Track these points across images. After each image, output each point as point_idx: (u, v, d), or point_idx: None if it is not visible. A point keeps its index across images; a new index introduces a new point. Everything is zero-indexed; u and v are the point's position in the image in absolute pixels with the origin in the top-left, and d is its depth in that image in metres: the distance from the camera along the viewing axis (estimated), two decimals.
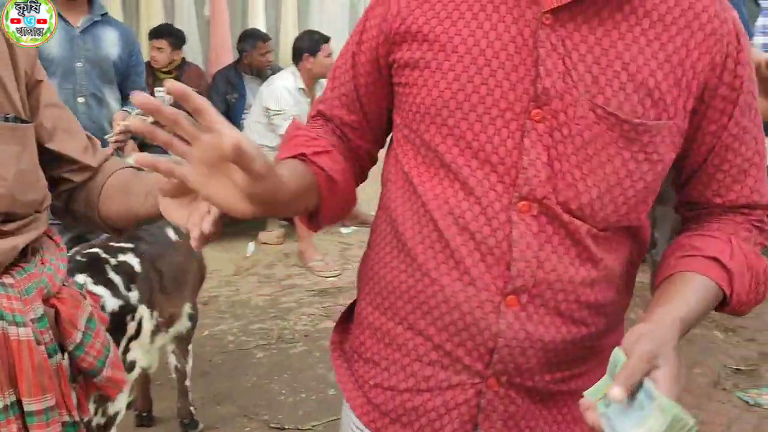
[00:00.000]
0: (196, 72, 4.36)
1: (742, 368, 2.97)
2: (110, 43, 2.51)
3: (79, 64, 2.42)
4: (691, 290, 0.87)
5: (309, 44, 4.02)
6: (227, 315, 3.39)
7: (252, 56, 4.36)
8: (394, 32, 0.93)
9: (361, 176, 1.06)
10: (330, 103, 1.02)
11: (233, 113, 4.40)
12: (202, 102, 0.71)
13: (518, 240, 0.86)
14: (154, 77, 3.99)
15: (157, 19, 4.30)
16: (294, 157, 0.92)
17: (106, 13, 2.56)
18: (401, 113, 0.94)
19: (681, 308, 0.83)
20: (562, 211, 0.86)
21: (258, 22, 4.69)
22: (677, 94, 0.86)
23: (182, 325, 2.24)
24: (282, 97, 3.93)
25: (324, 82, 4.16)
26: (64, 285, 0.98)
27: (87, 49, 2.44)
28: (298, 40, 4.14)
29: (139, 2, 4.35)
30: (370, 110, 1.00)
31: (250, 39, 4.38)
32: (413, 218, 0.93)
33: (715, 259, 0.89)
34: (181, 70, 4.24)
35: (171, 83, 0.69)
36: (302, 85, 4.03)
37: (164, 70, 4.11)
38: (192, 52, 4.62)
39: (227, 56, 4.61)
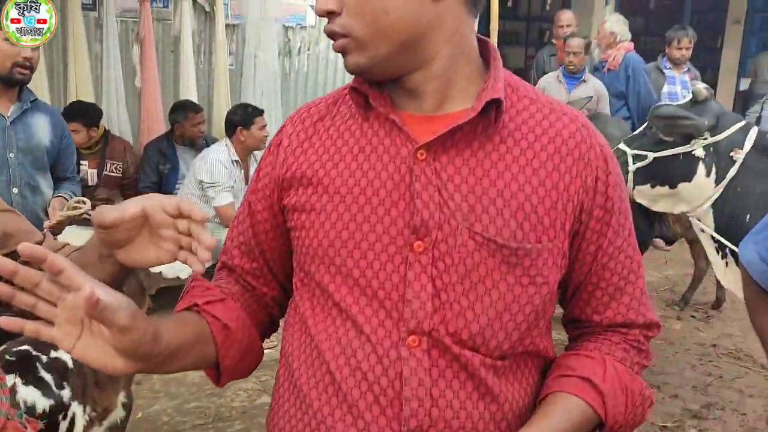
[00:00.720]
0: (121, 145, 4.31)
1: (669, 425, 3.10)
2: (41, 130, 2.49)
3: (11, 155, 2.40)
4: (561, 411, 0.89)
5: (242, 117, 4.07)
6: (161, 394, 3.31)
7: (184, 127, 4.37)
8: (282, 178, 0.97)
9: (271, 326, 1.07)
10: (231, 253, 1.04)
11: (166, 184, 4.37)
12: (59, 262, 0.72)
13: (409, 377, 0.86)
14: (78, 155, 3.93)
15: (86, 93, 4.26)
16: (188, 308, 0.94)
17: (36, 99, 2.54)
18: (297, 257, 0.97)
19: (545, 430, 0.86)
20: (453, 343, 0.87)
21: (190, 92, 4.72)
22: (555, 216, 0.89)
23: (116, 415, 2.19)
24: (216, 170, 3.95)
25: (259, 154, 4.21)
26: (8, 419, 0.97)
27: (19, 139, 2.42)
28: (230, 113, 4.19)
29: (66, 79, 4.31)
30: (271, 257, 1.02)
31: (181, 110, 4.39)
32: (307, 362, 0.93)
33: (588, 380, 0.91)
34: (105, 143, 4.18)
35: (23, 246, 0.70)
36: (236, 158, 4.06)
37: (85, 146, 4.05)
38: (122, 123, 4.59)
39: (159, 127, 4.60)
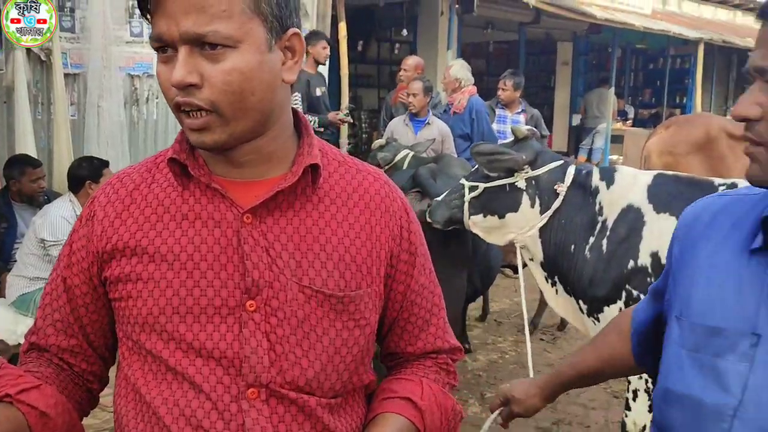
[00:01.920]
0: None
1: None
2: None
3: None
4: (388, 429, 0.99)
5: (90, 171, 3.91)
6: None
7: (21, 183, 4.11)
8: (101, 251, 0.97)
9: (90, 402, 1.07)
10: (44, 331, 1.02)
11: (2, 245, 4.07)
12: None
13: (252, 428, 0.91)
14: None
15: None
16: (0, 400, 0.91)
17: None
18: (123, 327, 0.98)
19: None
20: (290, 390, 0.93)
21: (27, 145, 4.45)
22: (371, 264, 1.00)
23: None
24: (59, 227, 3.74)
25: None
26: None
27: None
28: (75, 167, 4.00)
29: None
30: (91, 331, 1.02)
31: (17, 165, 4.13)
32: (146, 430, 0.94)
33: (409, 399, 1.02)
34: None
35: None
36: (80, 212, 3.88)
37: None
38: None
39: None
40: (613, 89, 10.75)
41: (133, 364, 0.97)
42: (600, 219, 2.56)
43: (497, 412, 1.40)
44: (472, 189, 2.79)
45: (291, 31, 0.94)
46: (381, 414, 1.01)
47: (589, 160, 11.00)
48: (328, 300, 0.95)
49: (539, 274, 2.76)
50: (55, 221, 3.76)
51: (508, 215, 2.72)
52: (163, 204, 0.97)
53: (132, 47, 5.26)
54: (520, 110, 5.83)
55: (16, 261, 3.93)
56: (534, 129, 2.96)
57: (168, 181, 0.99)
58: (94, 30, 4.79)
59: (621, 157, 10.05)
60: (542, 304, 4.90)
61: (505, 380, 3.99)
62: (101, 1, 4.77)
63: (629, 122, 11.93)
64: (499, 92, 5.72)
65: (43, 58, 4.75)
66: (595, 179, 2.61)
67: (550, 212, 2.63)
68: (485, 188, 2.75)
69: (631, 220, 2.49)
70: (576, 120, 11.38)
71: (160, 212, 0.96)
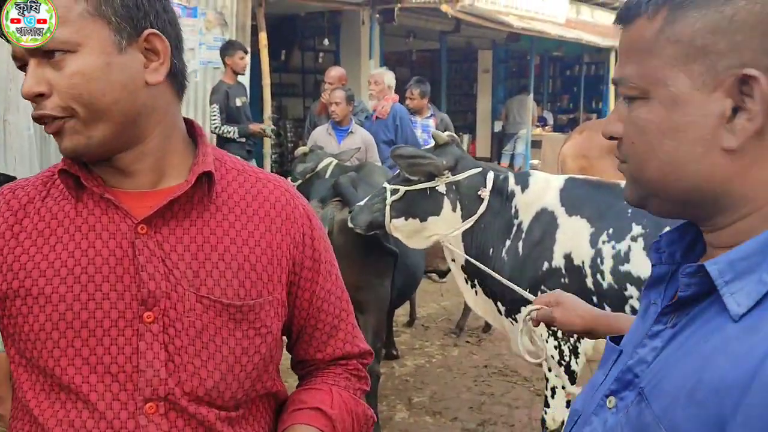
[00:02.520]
0: None
1: None
2: None
3: None
4: None
5: None
6: None
7: None
8: None
9: None
10: None
11: None
12: None
13: None
14: None
15: None
16: None
17: None
18: (15, 344, 0.94)
19: None
20: (189, 402, 0.92)
21: None
22: (272, 272, 1.00)
23: None
24: None
25: None
26: None
27: None
28: None
29: None
30: None
31: None
32: None
33: (319, 409, 1.03)
34: None
35: None
36: None
37: None
38: None
39: None
40: (532, 96, 11.10)
41: (24, 384, 0.94)
42: (516, 222, 2.64)
43: (538, 307, 1.34)
44: (393, 192, 2.80)
45: (147, 31, 0.92)
46: (291, 426, 1.01)
47: (511, 165, 11.31)
48: (227, 309, 0.95)
49: (459, 276, 2.82)
50: None
51: (430, 219, 2.75)
52: (57, 217, 0.95)
53: None
54: (429, 115, 5.97)
55: None
56: (454, 135, 3.01)
57: (62, 194, 0.96)
58: None
59: (540, 162, 10.37)
60: (467, 307, 4.99)
61: (432, 384, 4.05)
62: None
63: (549, 128, 12.33)
64: (407, 101, 5.83)
65: None
66: (511, 184, 2.69)
67: (475, 216, 2.68)
68: (406, 191, 2.76)
69: (545, 222, 2.58)
70: (498, 126, 11.69)
71: (53, 225, 0.94)
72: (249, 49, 5.85)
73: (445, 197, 2.72)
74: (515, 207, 2.66)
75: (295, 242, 1.03)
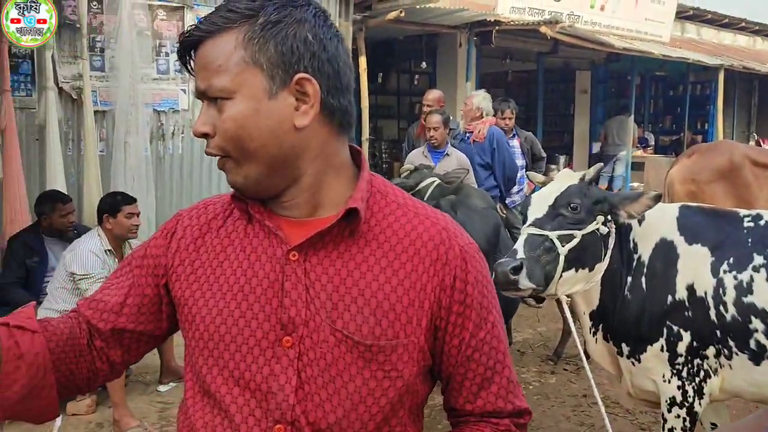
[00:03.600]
0: None
1: None
2: None
3: None
4: None
5: (108, 205, 4.01)
6: None
7: (52, 219, 4.22)
8: (172, 269, 1.04)
9: (89, 381, 1.07)
10: (88, 303, 1.08)
11: (34, 278, 4.17)
12: None
13: None
14: None
15: None
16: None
17: None
18: (186, 349, 1.04)
19: None
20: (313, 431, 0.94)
21: (57, 181, 4.58)
22: (412, 314, 0.96)
23: None
24: (88, 260, 3.83)
25: (135, 242, 4.13)
26: None
27: None
28: (101, 201, 4.11)
29: None
30: (131, 329, 1.07)
31: (48, 201, 4.25)
32: None
33: None
34: None
35: None
36: (109, 246, 3.96)
37: None
38: None
39: (24, 219, 4.41)
40: (632, 117, 10.76)
41: (188, 383, 1.03)
42: (635, 256, 2.47)
43: None
44: (565, 239, 2.33)
45: (298, 76, 0.94)
46: None
47: (609, 187, 10.97)
48: (357, 347, 0.95)
49: (586, 324, 2.57)
50: (84, 255, 3.85)
51: (597, 267, 2.39)
52: (230, 236, 1.03)
53: (158, 84, 5.43)
54: (512, 135, 5.83)
55: (46, 294, 4.02)
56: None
57: (239, 216, 1.04)
58: (122, 68, 4.95)
59: (642, 185, 10.01)
60: (565, 334, 4.87)
61: None
62: (130, 41, 4.94)
63: (650, 149, 11.90)
64: (498, 121, 5.65)
65: (74, 97, 4.92)
66: None
67: (608, 254, 2.41)
68: (583, 236, 2.34)
69: (665, 253, 2.43)
70: (596, 148, 11.39)
71: (225, 244, 1.02)
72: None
73: (609, 238, 2.41)
74: (633, 240, 2.48)
75: (443, 285, 0.98)
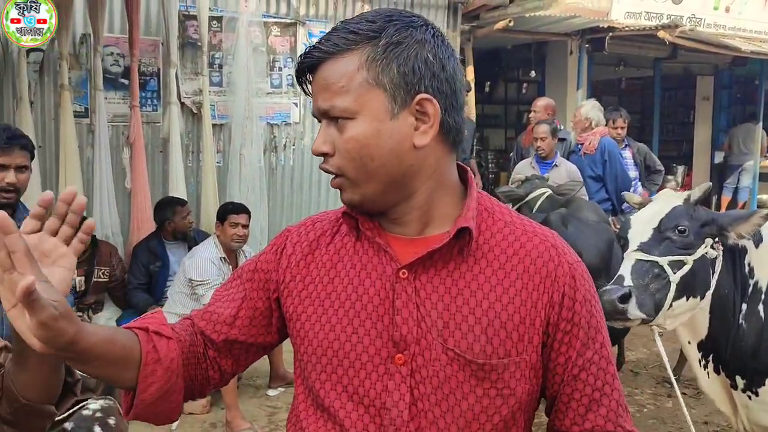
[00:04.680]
0: (107, 249, 4.37)
1: None
2: None
3: None
4: None
5: (220, 214, 4.21)
6: None
7: (175, 222, 4.46)
8: (284, 285, 1.06)
9: (203, 385, 1.10)
10: (202, 314, 1.11)
11: (156, 283, 4.43)
12: (13, 243, 0.79)
13: None
14: None
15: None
16: (139, 329, 0.99)
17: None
18: (298, 358, 1.06)
19: None
20: None
21: (179, 190, 4.85)
22: (523, 332, 0.97)
23: None
24: (204, 268, 4.02)
25: (248, 250, 4.29)
26: None
27: None
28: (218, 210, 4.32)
29: (58, 184, 4.44)
30: (242, 340, 1.09)
31: (168, 206, 4.49)
32: None
33: None
34: (92, 250, 4.22)
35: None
36: (223, 254, 4.14)
37: None
38: (114, 224, 4.70)
39: (150, 226, 4.69)
40: (761, 124, 10.04)
41: (299, 396, 1.05)
42: (751, 282, 2.29)
43: None
44: (676, 266, 2.18)
45: (419, 96, 0.95)
46: None
47: (734, 199, 10.27)
48: (470, 365, 0.95)
49: (695, 357, 2.40)
50: (201, 263, 4.05)
51: (707, 294, 2.23)
52: (339, 253, 1.04)
53: (272, 98, 5.64)
54: (624, 145, 5.56)
55: (167, 298, 4.26)
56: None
57: (348, 232, 1.06)
58: (238, 83, 5.19)
59: None
60: (683, 355, 4.60)
61: None
62: (246, 57, 5.17)
63: None
64: (609, 131, 5.40)
65: (194, 111, 5.21)
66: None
67: (715, 279, 2.23)
68: (694, 262, 2.19)
69: None
70: (719, 157, 10.71)
71: (335, 260, 1.04)
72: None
73: (717, 262, 2.24)
74: (749, 265, 2.29)
75: (552, 302, 0.98)
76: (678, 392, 2.69)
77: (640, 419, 4.04)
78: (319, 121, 1.01)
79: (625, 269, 2.22)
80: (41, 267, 0.85)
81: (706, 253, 2.20)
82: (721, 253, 2.25)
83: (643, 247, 2.24)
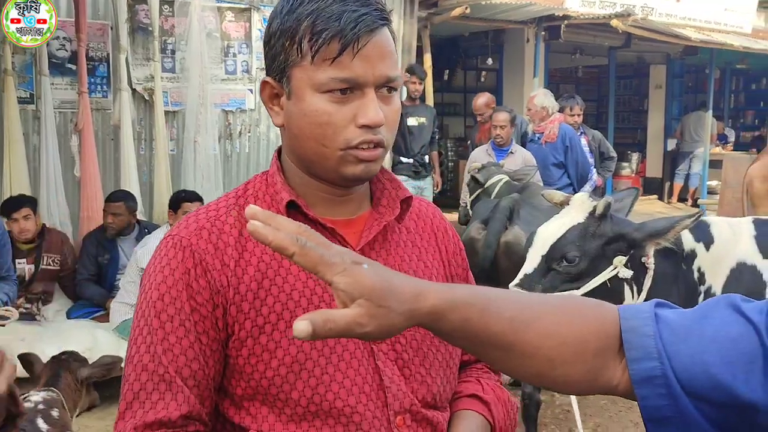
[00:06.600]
0: (58, 237, 4.27)
1: None
2: None
3: None
4: (467, 422, 1.04)
5: (173, 202, 4.17)
6: None
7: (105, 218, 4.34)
8: (227, 308, 0.94)
9: None
10: (194, 401, 0.93)
11: (105, 275, 4.33)
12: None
13: None
14: (16, 252, 3.87)
15: (22, 186, 4.25)
16: None
17: None
18: (249, 383, 0.94)
19: None
20: (423, 408, 0.99)
21: (131, 179, 4.74)
22: (441, 280, 1.07)
23: None
24: None
25: None
26: None
27: None
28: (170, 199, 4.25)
29: (2, 172, 4.30)
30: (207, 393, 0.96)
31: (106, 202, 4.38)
32: None
33: (475, 395, 1.08)
34: (41, 238, 4.13)
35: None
36: None
37: (24, 239, 4.01)
38: (62, 213, 4.57)
39: (101, 216, 4.58)
40: (711, 112, 10.31)
41: (268, 417, 0.94)
42: (702, 289, 2.13)
43: None
44: None
45: None
46: (455, 413, 1.07)
47: (686, 186, 10.54)
48: None
49: None
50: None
51: None
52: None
53: (227, 84, 5.55)
54: (580, 133, 5.61)
55: (119, 289, 4.17)
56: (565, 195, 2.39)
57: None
58: (192, 70, 5.08)
59: (719, 183, 9.57)
60: None
61: (595, 416, 3.85)
62: (199, 43, 5.07)
63: (729, 146, 11.37)
64: (566, 118, 5.43)
65: (146, 98, 5.09)
66: (688, 242, 2.14)
67: (643, 295, 2.06)
68: (594, 288, 2.06)
69: (747, 280, 2.10)
70: (671, 144, 10.97)
71: (278, 256, 0.91)
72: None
73: (626, 284, 2.07)
74: (698, 270, 2.13)
75: (453, 252, 1.13)
76: None
77: (594, 400, 4.12)
78: (342, 90, 0.92)
79: None
80: None
81: (617, 274, 2.04)
82: (651, 263, 2.06)
83: (523, 282, 2.14)
